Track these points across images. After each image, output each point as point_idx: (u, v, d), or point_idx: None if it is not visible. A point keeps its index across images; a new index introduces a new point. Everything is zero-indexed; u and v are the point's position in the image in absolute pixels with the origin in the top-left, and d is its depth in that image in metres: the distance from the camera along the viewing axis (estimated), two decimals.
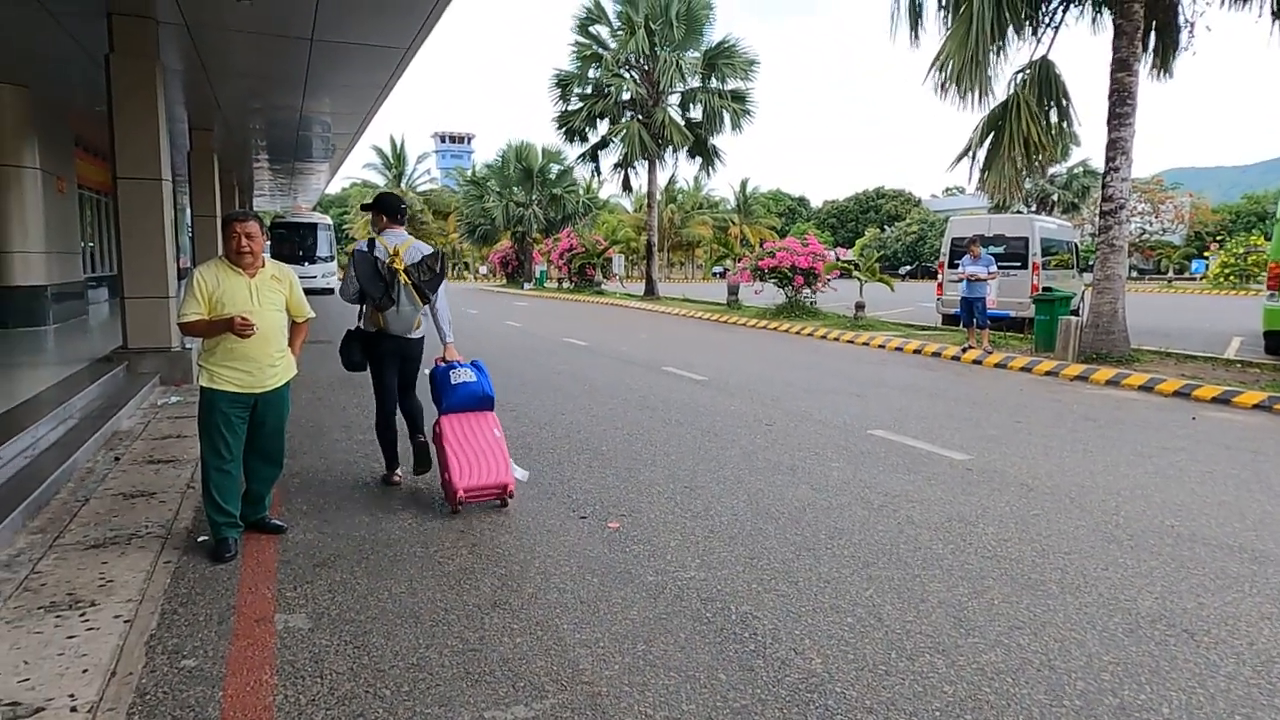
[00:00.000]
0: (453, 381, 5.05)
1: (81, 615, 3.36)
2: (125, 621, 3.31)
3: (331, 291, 30.96)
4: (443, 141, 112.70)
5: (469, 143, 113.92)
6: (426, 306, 5.15)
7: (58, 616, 3.34)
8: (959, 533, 4.55)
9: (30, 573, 3.81)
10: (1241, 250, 39.45)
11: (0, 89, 12.06)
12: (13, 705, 2.68)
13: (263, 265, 4.21)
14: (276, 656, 3.09)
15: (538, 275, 40.31)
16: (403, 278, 4.98)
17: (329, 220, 33.00)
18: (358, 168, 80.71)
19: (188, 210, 24.77)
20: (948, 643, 3.24)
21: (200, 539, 4.26)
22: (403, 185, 64.20)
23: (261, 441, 4.32)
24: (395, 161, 63.75)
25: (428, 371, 5.30)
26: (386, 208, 5.20)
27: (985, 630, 3.35)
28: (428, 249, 5.19)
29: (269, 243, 30.52)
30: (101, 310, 16.70)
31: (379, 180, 64.75)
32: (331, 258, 31.88)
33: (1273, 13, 10.90)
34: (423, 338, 5.29)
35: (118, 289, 9.47)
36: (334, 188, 53.98)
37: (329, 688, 2.87)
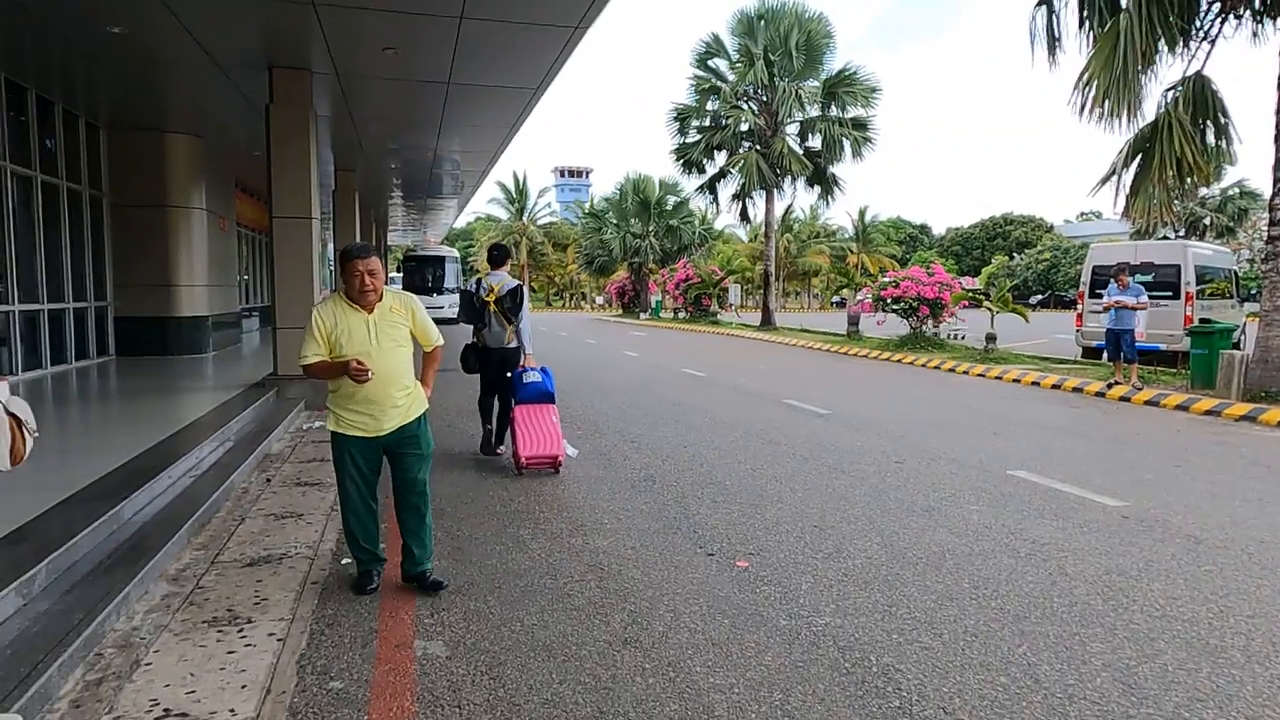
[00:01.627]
0: (525, 381, 6.77)
1: (240, 631, 3.55)
2: (278, 640, 3.48)
3: (456, 321, 32.31)
4: (562, 176, 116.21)
5: (587, 176, 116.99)
6: (514, 326, 6.93)
7: (219, 631, 3.55)
8: (1119, 587, 4.19)
9: (195, 587, 4.07)
10: None
11: (179, 139, 13.31)
12: (181, 716, 2.84)
13: (379, 299, 3.88)
14: (416, 684, 3.16)
15: (653, 305, 40.70)
16: (493, 307, 6.89)
17: (456, 253, 34.54)
18: (483, 203, 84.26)
19: (330, 245, 26.49)
20: (1118, 711, 2.96)
21: (344, 561, 4.45)
22: (524, 219, 66.56)
23: (401, 490, 4.07)
24: (518, 196, 66.30)
25: (510, 374, 6.99)
26: (490, 257, 7.21)
27: (1160, 700, 3.04)
28: (513, 284, 6.96)
29: (399, 274, 32.37)
30: (253, 339, 18.01)
31: (502, 214, 67.46)
32: (458, 288, 33.32)
33: None
34: (517, 347, 7.04)
35: (269, 319, 10.18)
36: (460, 222, 56.50)
37: (467, 719, 2.91)
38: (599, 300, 61.06)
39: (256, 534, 4.96)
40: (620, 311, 45.33)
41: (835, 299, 57.17)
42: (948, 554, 4.70)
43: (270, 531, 5.01)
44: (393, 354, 3.88)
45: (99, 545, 4.20)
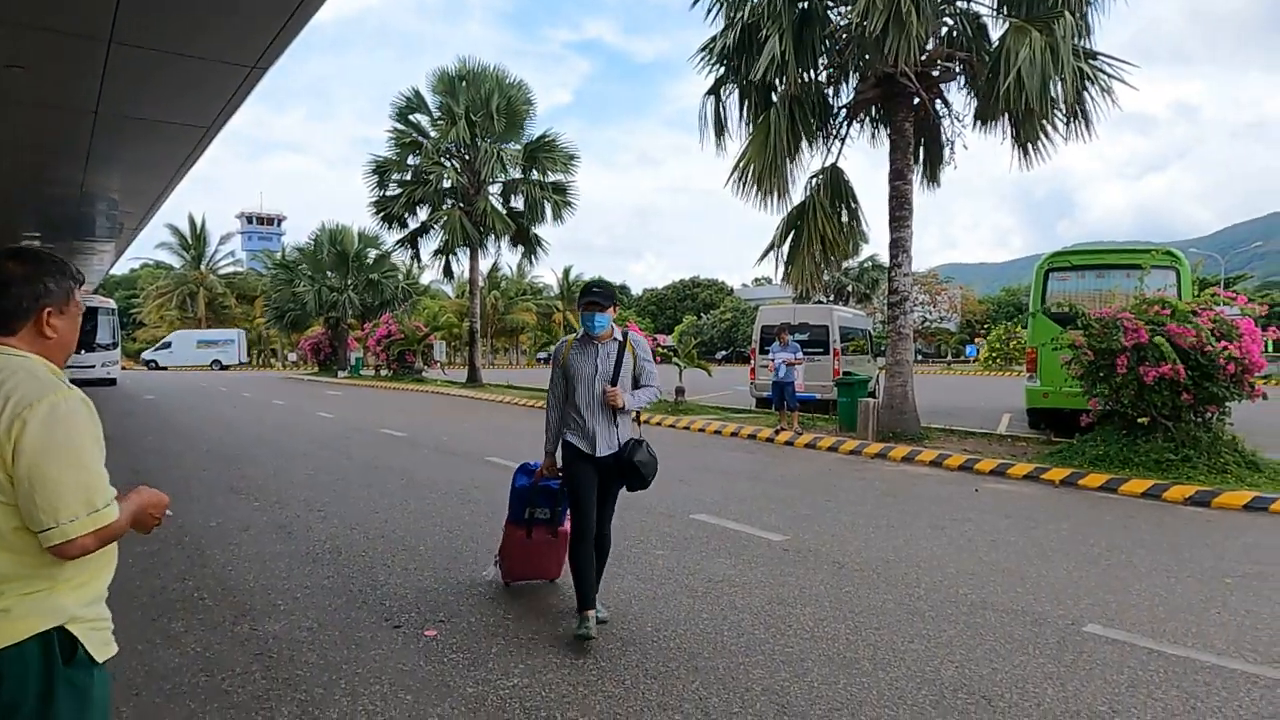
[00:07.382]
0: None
1: None
2: None
3: (113, 382, 28.00)
4: (250, 222, 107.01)
5: (279, 224, 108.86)
6: None
7: None
8: (779, 615, 4.65)
9: None
10: (1004, 336, 44.98)
11: None
12: None
13: None
14: None
15: (353, 363, 38.57)
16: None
17: (112, 304, 30.09)
18: (149, 248, 74.71)
19: None
20: None
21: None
22: (203, 267, 60.17)
23: None
24: (195, 242, 59.92)
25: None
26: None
27: (807, 715, 3.39)
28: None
29: None
30: None
31: (174, 261, 60.49)
32: (115, 344, 28.96)
33: (1012, 137, 12.73)
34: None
35: None
36: (121, 268, 49.48)
37: None
38: (291, 357, 56.52)
39: None
40: (316, 370, 42.29)
41: (541, 355, 58.55)
42: (634, 600, 4.90)
43: None
44: None
45: None
